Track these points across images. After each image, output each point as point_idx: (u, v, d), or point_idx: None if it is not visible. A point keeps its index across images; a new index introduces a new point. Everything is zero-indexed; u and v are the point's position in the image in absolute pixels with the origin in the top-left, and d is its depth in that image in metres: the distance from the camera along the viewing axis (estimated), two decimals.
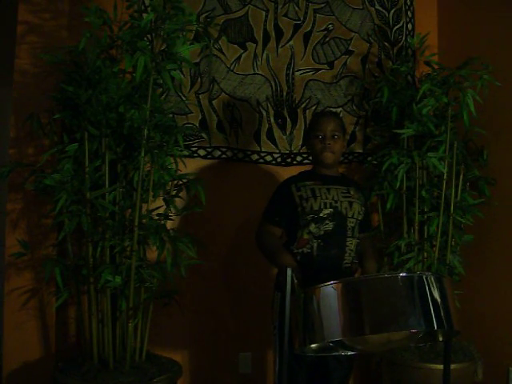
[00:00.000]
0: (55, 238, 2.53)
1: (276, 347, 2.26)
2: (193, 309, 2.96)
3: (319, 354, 2.03)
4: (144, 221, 2.38)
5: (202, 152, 2.98)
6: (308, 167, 2.74)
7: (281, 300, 2.29)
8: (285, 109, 3.13)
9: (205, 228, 2.93)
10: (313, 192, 2.32)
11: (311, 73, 3.19)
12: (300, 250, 2.29)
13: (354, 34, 3.27)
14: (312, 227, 2.28)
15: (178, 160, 2.52)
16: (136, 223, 2.34)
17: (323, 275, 2.13)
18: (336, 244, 2.30)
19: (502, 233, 2.96)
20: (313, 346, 1.88)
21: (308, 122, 3.11)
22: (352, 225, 2.33)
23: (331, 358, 2.33)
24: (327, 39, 3.22)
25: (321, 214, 2.29)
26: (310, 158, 3.07)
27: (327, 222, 2.28)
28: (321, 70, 3.21)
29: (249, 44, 3.08)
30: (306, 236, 2.29)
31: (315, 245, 2.27)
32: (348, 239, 2.32)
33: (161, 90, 2.56)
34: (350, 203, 2.34)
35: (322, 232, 2.28)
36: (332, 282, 1.74)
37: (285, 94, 3.13)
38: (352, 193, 2.38)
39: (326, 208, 2.29)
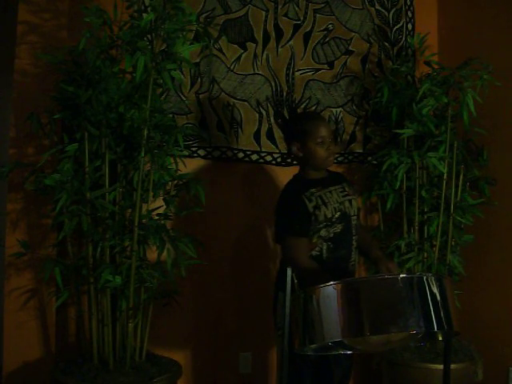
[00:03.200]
0: (55, 238, 2.53)
1: (281, 348, 2.26)
2: (193, 309, 2.96)
3: (319, 353, 2.03)
4: (144, 221, 2.38)
5: (201, 152, 2.98)
6: None
7: (284, 300, 2.29)
8: (285, 109, 3.13)
9: (205, 228, 2.93)
10: (322, 199, 2.29)
11: (311, 73, 3.19)
12: (309, 254, 2.29)
13: (354, 33, 3.27)
14: (323, 232, 2.28)
15: (178, 160, 2.52)
16: (136, 223, 2.34)
17: (332, 276, 2.12)
18: (344, 244, 2.30)
19: (501, 233, 2.96)
20: (312, 345, 1.88)
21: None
22: (355, 222, 2.35)
23: (332, 355, 2.32)
24: (327, 39, 3.22)
25: (333, 220, 2.29)
26: None
27: (336, 224, 2.29)
28: (321, 70, 3.21)
29: (249, 44, 3.07)
30: (315, 240, 2.28)
31: (325, 247, 2.27)
32: (353, 238, 2.33)
33: (161, 90, 2.56)
34: (350, 201, 2.35)
35: (331, 235, 2.28)
36: (332, 282, 1.74)
37: (285, 93, 3.13)
38: (347, 189, 2.38)
39: (335, 212, 2.29)
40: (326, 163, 2.35)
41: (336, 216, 2.28)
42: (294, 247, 2.25)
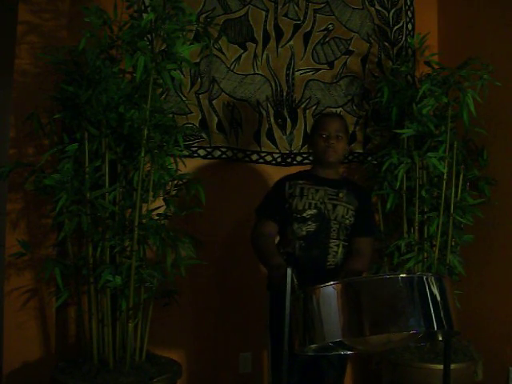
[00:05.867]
0: (55, 238, 2.53)
1: (268, 346, 2.27)
2: (193, 309, 2.96)
3: (319, 353, 2.03)
4: (144, 221, 2.38)
5: (201, 152, 2.98)
6: (308, 167, 2.74)
7: (271, 299, 2.31)
8: (285, 109, 3.13)
9: (205, 228, 2.93)
10: (301, 191, 2.33)
11: (311, 73, 3.19)
12: (285, 250, 2.30)
13: (354, 33, 3.27)
14: (295, 226, 2.29)
15: (178, 160, 2.52)
16: (136, 223, 2.34)
17: (305, 275, 2.12)
18: (318, 245, 2.29)
19: (501, 233, 2.96)
20: (312, 345, 1.88)
21: (308, 122, 3.12)
22: (336, 227, 2.32)
23: (323, 358, 2.32)
24: (327, 39, 3.22)
25: (304, 214, 2.29)
26: (310, 157, 3.08)
27: (310, 222, 2.29)
28: (321, 70, 3.21)
29: (249, 44, 3.08)
30: (289, 236, 2.30)
31: (297, 245, 2.29)
32: (332, 241, 2.31)
33: (161, 89, 2.56)
34: (334, 206, 2.32)
35: (304, 233, 2.29)
36: (332, 282, 1.74)
37: (285, 93, 3.13)
38: (341, 195, 2.35)
39: (309, 209, 2.30)
40: (324, 156, 2.35)
41: (309, 212, 2.29)
42: (259, 232, 2.33)
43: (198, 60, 2.94)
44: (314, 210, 2.30)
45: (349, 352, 2.02)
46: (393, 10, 3.36)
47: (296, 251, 2.28)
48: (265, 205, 2.40)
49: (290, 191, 2.34)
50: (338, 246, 2.32)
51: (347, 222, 2.34)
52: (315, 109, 3.17)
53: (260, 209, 2.41)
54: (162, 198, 2.54)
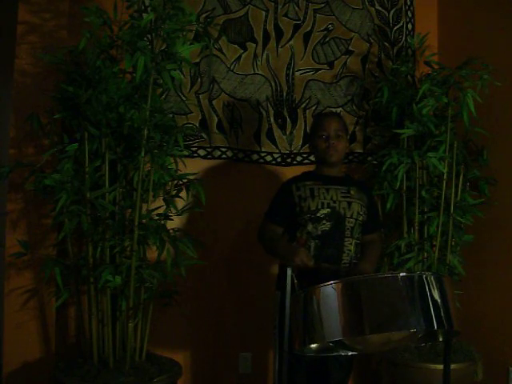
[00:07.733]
0: (55, 238, 2.54)
1: (276, 346, 2.26)
2: (193, 309, 2.96)
3: (319, 354, 2.02)
4: (144, 221, 2.38)
5: (201, 152, 2.98)
6: (308, 167, 2.74)
7: (280, 299, 2.30)
8: (285, 109, 3.13)
9: (205, 228, 2.93)
10: (311, 192, 2.33)
11: (311, 73, 3.19)
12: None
13: (354, 34, 3.27)
14: (310, 227, 2.29)
15: (178, 160, 2.52)
16: (136, 223, 2.34)
17: (321, 275, 2.13)
18: (333, 244, 2.30)
19: (502, 233, 2.96)
20: (313, 346, 1.88)
21: (308, 122, 3.12)
22: (351, 225, 2.33)
23: (331, 357, 2.32)
24: (327, 39, 3.22)
25: (318, 214, 2.29)
26: (310, 157, 3.08)
27: (324, 222, 2.29)
28: (321, 70, 3.21)
29: (249, 44, 3.08)
30: (304, 236, 2.29)
31: (313, 245, 2.28)
32: (346, 239, 2.32)
33: (161, 90, 2.56)
34: (349, 203, 2.34)
35: (319, 232, 2.28)
36: (332, 281, 1.74)
37: (285, 93, 3.13)
38: (352, 193, 2.37)
39: (323, 208, 2.30)
40: (326, 156, 2.36)
41: (323, 212, 2.29)
42: (266, 230, 2.36)
43: (198, 60, 2.95)
44: (328, 210, 2.30)
45: (349, 352, 2.02)
46: (393, 10, 3.36)
47: (311, 251, 2.28)
48: (272, 210, 2.41)
49: (298, 193, 2.34)
50: (351, 244, 2.32)
51: (361, 218, 2.36)
52: (315, 109, 3.17)
53: (267, 213, 2.42)
54: (162, 198, 2.54)
